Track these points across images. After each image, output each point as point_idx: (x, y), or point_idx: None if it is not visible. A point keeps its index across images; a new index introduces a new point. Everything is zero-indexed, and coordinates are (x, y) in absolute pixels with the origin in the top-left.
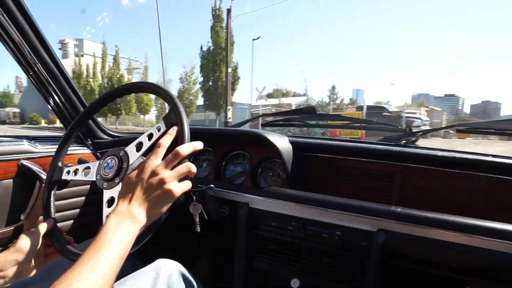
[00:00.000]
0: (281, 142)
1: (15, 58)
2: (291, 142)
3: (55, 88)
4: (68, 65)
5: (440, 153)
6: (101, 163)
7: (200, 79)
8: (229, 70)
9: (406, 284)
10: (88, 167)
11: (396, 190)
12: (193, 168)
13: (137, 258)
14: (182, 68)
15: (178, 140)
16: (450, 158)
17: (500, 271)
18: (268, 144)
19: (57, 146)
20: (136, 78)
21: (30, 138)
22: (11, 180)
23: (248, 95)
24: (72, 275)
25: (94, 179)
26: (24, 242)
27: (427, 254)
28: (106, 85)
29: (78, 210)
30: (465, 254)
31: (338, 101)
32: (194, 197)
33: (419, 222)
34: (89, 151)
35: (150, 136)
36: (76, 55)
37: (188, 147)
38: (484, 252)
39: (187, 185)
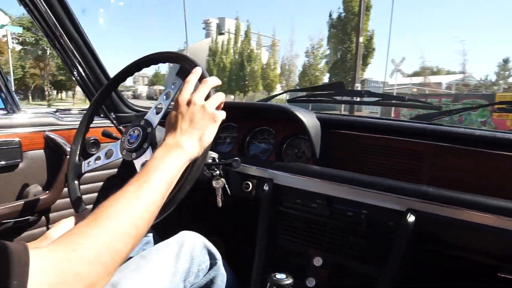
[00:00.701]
0: (308, 117)
1: (41, 28)
2: (318, 118)
3: (80, 60)
4: (206, 44)
5: (478, 132)
6: (123, 139)
7: (328, 52)
8: (361, 39)
9: (434, 268)
10: (111, 149)
11: (427, 170)
12: (224, 98)
13: (158, 233)
14: (309, 41)
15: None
16: (488, 137)
17: None
18: (295, 120)
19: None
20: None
21: (55, 111)
22: (38, 151)
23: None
24: (115, 198)
25: (120, 156)
26: (56, 231)
27: (458, 236)
28: (236, 61)
29: (108, 190)
30: (498, 237)
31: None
32: (218, 171)
33: (451, 203)
34: (112, 125)
35: (167, 95)
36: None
37: (214, 79)
38: None
39: (224, 113)
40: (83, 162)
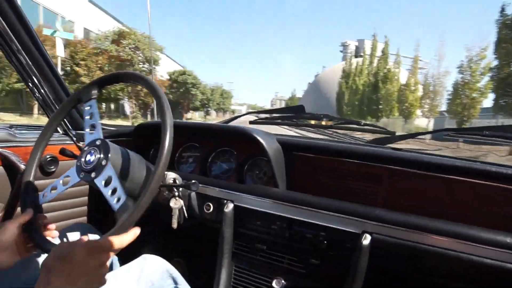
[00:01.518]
0: (268, 140)
1: None
2: (278, 141)
3: (38, 76)
4: (340, 66)
5: (426, 158)
6: (79, 163)
7: (495, 63)
8: None
9: (391, 287)
10: (67, 176)
11: (382, 192)
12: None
13: (121, 256)
14: (465, 52)
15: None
16: (438, 163)
17: (481, 277)
18: (255, 142)
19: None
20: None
21: (10, 126)
22: None
23: None
24: None
25: (78, 180)
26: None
27: (411, 258)
28: (370, 83)
29: (64, 201)
30: (450, 259)
31: None
32: (176, 193)
33: (404, 226)
34: (72, 142)
35: None
36: (355, 56)
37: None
38: (467, 257)
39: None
40: (38, 194)
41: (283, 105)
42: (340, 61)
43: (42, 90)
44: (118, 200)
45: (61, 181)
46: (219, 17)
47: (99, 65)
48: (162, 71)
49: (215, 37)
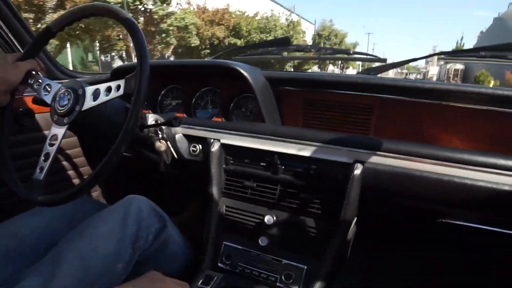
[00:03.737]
0: (253, 74)
1: None
2: (265, 75)
3: None
4: None
5: (419, 84)
6: (59, 89)
7: None
8: None
9: (383, 217)
10: (49, 85)
11: (373, 123)
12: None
13: (106, 200)
14: None
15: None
16: (430, 88)
17: (470, 200)
18: (240, 77)
19: None
20: None
21: None
22: None
23: None
24: None
25: (49, 102)
26: None
27: (403, 185)
28: None
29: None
30: (437, 183)
31: None
32: (160, 134)
33: (396, 152)
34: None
35: (108, 90)
36: None
37: None
38: (458, 180)
39: None
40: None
41: (442, 62)
42: None
43: (4, 34)
44: None
45: (45, 83)
46: None
47: None
48: None
49: None
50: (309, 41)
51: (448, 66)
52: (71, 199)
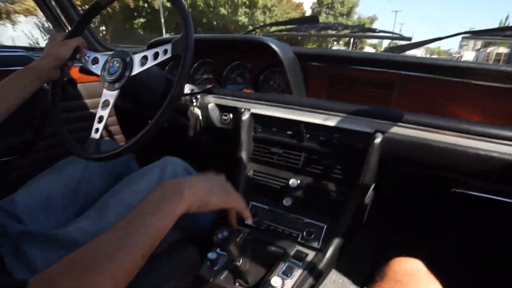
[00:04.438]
0: (284, 49)
1: None
2: (293, 51)
3: None
4: None
5: (441, 61)
6: (108, 59)
7: None
8: None
9: (399, 185)
10: (96, 58)
11: (394, 98)
12: None
13: (139, 158)
14: None
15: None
16: (451, 65)
17: (484, 170)
18: (270, 52)
19: None
20: None
21: (28, 49)
22: None
23: None
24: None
25: (99, 73)
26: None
27: (420, 154)
28: None
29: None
30: (454, 154)
31: None
32: (195, 102)
33: (415, 123)
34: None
35: (155, 55)
36: None
37: None
38: (472, 151)
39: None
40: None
41: (478, 47)
42: None
43: (54, 11)
44: None
45: (92, 57)
46: None
47: None
48: None
49: None
50: (307, 10)
51: (489, 50)
52: (120, 156)
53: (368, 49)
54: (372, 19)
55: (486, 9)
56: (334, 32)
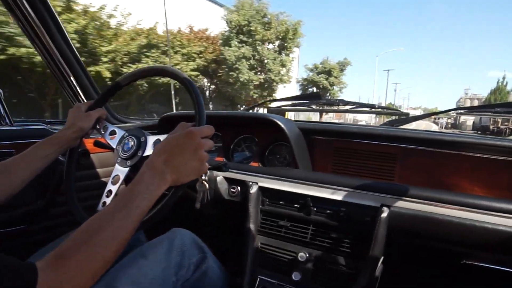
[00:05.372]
0: (289, 125)
1: (31, 41)
2: (298, 126)
3: (69, 73)
4: None
5: (439, 136)
6: (125, 135)
7: None
8: None
9: (408, 257)
10: (114, 131)
11: (398, 170)
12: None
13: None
14: None
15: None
16: (450, 140)
17: (492, 243)
18: (276, 127)
19: None
20: None
21: (47, 122)
22: None
23: None
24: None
25: (114, 146)
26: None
27: (427, 228)
28: None
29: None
30: (460, 227)
31: None
32: (203, 176)
33: (420, 198)
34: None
35: None
36: None
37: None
38: (479, 224)
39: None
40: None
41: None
42: None
43: (73, 87)
44: None
45: (110, 130)
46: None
47: None
48: None
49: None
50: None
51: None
52: None
53: None
54: (343, 64)
55: (479, 79)
56: (336, 108)
